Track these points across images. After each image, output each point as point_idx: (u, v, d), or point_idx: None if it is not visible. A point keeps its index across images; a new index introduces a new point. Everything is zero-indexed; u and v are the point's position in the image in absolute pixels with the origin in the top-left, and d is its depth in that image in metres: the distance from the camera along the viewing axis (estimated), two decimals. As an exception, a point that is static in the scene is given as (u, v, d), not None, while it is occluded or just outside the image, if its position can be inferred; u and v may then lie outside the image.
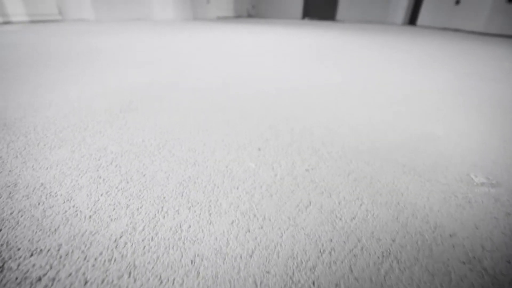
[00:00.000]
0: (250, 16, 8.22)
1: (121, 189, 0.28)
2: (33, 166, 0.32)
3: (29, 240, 0.22)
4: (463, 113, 0.49)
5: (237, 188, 0.28)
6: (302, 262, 0.20)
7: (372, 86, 0.65)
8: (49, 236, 0.22)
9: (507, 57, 1.27)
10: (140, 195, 0.27)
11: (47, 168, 0.31)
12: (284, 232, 0.23)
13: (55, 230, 0.23)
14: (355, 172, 0.31)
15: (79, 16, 3.76)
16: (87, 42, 1.36)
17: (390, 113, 0.47)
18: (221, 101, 0.51)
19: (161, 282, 0.19)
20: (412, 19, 6.07)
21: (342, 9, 7.89)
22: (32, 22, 3.35)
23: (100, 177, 0.30)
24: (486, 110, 0.51)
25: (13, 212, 0.24)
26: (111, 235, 0.22)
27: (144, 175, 0.30)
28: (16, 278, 0.19)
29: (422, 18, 5.17)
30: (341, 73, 0.80)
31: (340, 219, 0.25)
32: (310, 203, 0.27)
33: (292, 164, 0.32)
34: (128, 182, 0.29)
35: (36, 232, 0.23)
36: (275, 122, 0.42)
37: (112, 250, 0.21)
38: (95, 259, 0.20)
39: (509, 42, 2.11)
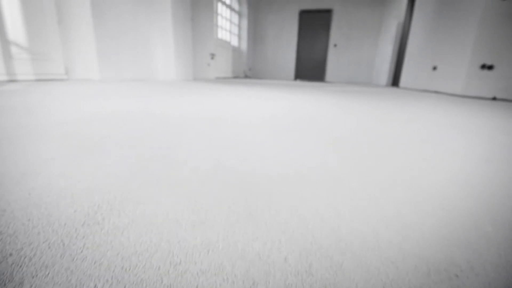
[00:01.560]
0: (246, 77, 8.88)
1: None
2: None
3: None
4: (479, 225, 0.43)
5: None
6: None
7: (370, 171, 0.61)
8: None
9: (495, 125, 1.30)
10: None
11: None
12: None
13: None
14: None
15: (84, 76, 3.98)
16: (81, 108, 1.36)
17: (396, 226, 0.41)
18: (204, 202, 0.45)
19: None
20: (394, 81, 6.59)
21: (330, 72, 8.64)
22: (38, 80, 3.50)
23: None
24: (506, 215, 0.46)
25: None
26: None
27: None
28: None
29: (404, 80, 5.63)
30: (336, 151, 0.77)
31: None
32: None
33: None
34: None
35: None
36: (265, 245, 0.36)
37: None
38: None
39: (488, 105, 2.23)
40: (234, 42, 8.31)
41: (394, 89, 5.15)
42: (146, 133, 0.89)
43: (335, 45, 8.35)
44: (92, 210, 0.43)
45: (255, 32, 9.09)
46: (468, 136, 1.07)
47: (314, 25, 8.55)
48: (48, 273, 0.31)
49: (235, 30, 8.30)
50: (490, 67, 3.43)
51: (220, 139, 0.85)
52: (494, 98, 3.43)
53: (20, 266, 0.32)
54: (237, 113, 1.39)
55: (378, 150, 0.80)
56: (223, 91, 2.87)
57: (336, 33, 8.30)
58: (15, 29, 3.17)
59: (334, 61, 8.42)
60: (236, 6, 8.19)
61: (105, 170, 0.57)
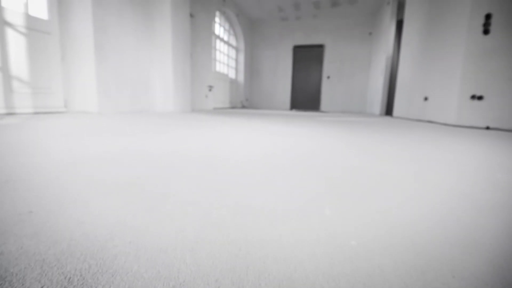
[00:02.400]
0: (243, 107, 9.09)
1: None
2: None
3: None
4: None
5: None
6: None
7: (370, 225, 0.57)
8: None
9: (492, 162, 1.28)
10: None
11: None
12: None
13: None
14: None
15: (83, 109, 4.03)
16: (71, 146, 1.34)
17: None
18: (185, 278, 0.40)
19: None
20: (388, 110, 6.75)
21: (324, 102, 8.90)
22: (36, 113, 3.53)
23: None
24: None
25: None
26: None
27: None
28: None
29: (397, 110, 5.76)
30: (333, 198, 0.73)
31: None
32: None
33: None
34: None
35: None
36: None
37: None
38: None
39: (482, 135, 2.23)
40: (232, 74, 8.64)
41: (388, 118, 5.26)
42: (134, 178, 0.86)
43: (328, 77, 8.71)
44: (61, 286, 0.38)
45: (252, 65, 9.51)
46: (466, 174, 1.04)
47: (308, 59, 8.99)
48: None
49: (232, 63, 8.69)
50: (480, 98, 3.54)
51: (212, 185, 0.81)
52: (487, 128, 3.48)
53: None
54: (230, 150, 1.38)
55: (377, 197, 0.77)
56: (218, 124, 2.89)
57: (328, 66, 8.70)
58: (19, 65, 3.27)
59: (328, 92, 8.72)
60: (233, 42, 8.66)
61: (83, 228, 0.53)
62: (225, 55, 8.02)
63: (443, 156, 1.41)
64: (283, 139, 1.86)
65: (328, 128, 2.82)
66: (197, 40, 5.85)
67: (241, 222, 0.57)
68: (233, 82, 8.54)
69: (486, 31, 3.43)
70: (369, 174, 1.00)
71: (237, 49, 8.77)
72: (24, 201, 0.66)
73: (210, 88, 6.37)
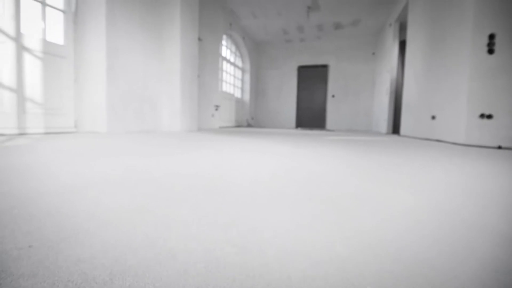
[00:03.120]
0: (249, 125, 9.16)
1: None
2: None
3: None
4: None
5: None
6: None
7: (384, 269, 0.52)
8: None
9: (508, 185, 1.22)
10: None
11: None
12: None
13: None
14: None
15: (92, 129, 4.10)
16: (77, 170, 1.33)
17: None
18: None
19: None
20: (395, 129, 6.68)
21: (330, 120, 8.91)
22: (47, 133, 3.59)
23: None
24: None
25: None
26: None
27: None
28: None
29: (404, 129, 5.70)
30: (344, 231, 0.69)
31: None
32: None
33: None
34: None
35: None
36: None
37: None
38: None
39: (495, 156, 2.14)
40: (238, 94, 8.81)
41: (395, 137, 5.19)
42: (138, 205, 0.83)
43: (333, 96, 8.79)
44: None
45: (257, 85, 9.70)
46: (486, 207, 0.99)
47: (312, 78, 9.15)
48: None
49: (238, 83, 8.89)
50: (489, 116, 3.48)
51: (217, 213, 0.78)
52: (499, 147, 3.39)
53: None
54: (236, 172, 1.35)
55: (391, 231, 0.72)
56: (224, 144, 2.89)
57: (333, 85, 8.81)
58: (33, 87, 3.38)
59: (333, 110, 8.76)
60: (239, 63, 8.92)
61: (82, 267, 0.49)
62: (231, 75, 8.24)
63: (460, 181, 1.36)
64: (289, 161, 1.83)
65: (335, 149, 2.78)
66: (204, 62, 6.04)
67: (248, 260, 0.53)
68: (239, 101, 8.68)
69: (491, 51, 3.44)
70: (384, 203, 0.95)
71: (243, 70, 9.01)
72: (25, 233, 0.64)
73: (217, 107, 6.48)
